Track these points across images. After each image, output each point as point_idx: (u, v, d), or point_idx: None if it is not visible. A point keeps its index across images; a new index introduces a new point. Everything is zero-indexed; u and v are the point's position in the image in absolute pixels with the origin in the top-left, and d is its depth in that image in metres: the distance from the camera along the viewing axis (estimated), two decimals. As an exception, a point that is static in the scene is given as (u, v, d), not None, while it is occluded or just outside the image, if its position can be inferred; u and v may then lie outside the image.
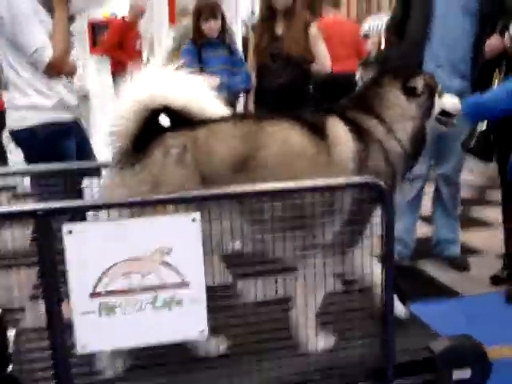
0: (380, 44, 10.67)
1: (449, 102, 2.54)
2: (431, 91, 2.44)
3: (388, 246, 1.99)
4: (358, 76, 7.63)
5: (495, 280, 3.87)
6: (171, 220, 1.81)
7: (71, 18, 3.43)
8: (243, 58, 4.85)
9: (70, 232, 1.72)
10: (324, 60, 4.43)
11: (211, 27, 4.43)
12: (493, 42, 3.62)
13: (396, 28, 4.10)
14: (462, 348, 2.22)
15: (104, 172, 2.38)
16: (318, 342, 2.23)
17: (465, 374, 2.18)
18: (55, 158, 2.86)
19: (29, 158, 3.16)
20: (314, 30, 4.39)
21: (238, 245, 2.96)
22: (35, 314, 2.44)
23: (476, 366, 2.21)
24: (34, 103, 3.10)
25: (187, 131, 2.10)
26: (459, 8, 3.83)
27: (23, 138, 3.15)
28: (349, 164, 2.17)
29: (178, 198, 1.85)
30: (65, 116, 3.19)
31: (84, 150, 3.32)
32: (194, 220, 1.81)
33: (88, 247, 1.75)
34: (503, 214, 3.92)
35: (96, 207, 1.85)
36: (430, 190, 4.39)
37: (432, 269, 4.17)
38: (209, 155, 2.07)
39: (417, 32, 3.92)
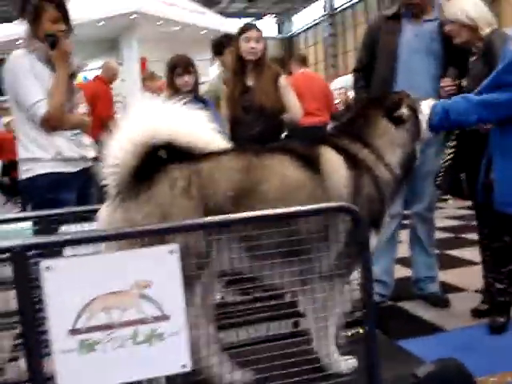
0: (347, 96, 11.02)
1: (427, 106, 2.63)
2: (415, 111, 2.51)
3: (365, 269, 2.00)
4: (329, 128, 7.81)
5: (476, 313, 3.91)
6: (149, 252, 1.81)
7: (72, 75, 3.55)
8: (217, 112, 4.94)
9: (48, 268, 1.71)
10: (295, 109, 4.54)
11: (185, 82, 4.56)
12: (446, 84, 3.79)
13: (363, 72, 4.28)
14: (446, 371, 2.21)
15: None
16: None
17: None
18: (56, 206, 2.93)
19: (32, 207, 3.40)
20: (283, 80, 4.51)
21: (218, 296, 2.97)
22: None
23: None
24: (35, 156, 3.33)
25: (190, 164, 2.11)
26: (423, 52, 4.02)
27: (25, 186, 3.40)
28: (343, 192, 2.21)
29: (157, 229, 1.85)
30: (65, 168, 3.36)
31: (86, 200, 3.45)
32: (171, 252, 1.81)
33: (67, 283, 1.73)
34: (480, 246, 3.98)
35: (73, 242, 1.85)
36: (404, 232, 4.46)
37: (413, 307, 4.20)
38: (212, 188, 2.08)
39: (384, 77, 4.08)
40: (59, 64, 3.34)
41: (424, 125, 2.56)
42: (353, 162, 2.30)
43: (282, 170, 2.19)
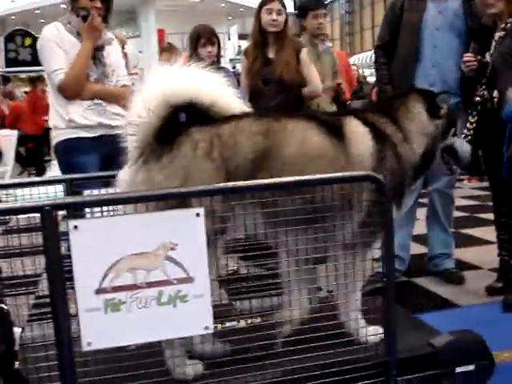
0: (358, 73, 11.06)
1: (460, 141, 2.64)
2: (450, 121, 2.55)
3: (387, 239, 2.02)
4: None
5: (490, 291, 3.92)
6: (175, 215, 1.84)
7: (100, 48, 3.68)
8: (236, 82, 4.94)
9: (76, 227, 1.74)
10: (315, 83, 4.52)
11: (208, 52, 4.55)
12: (467, 59, 3.73)
13: (384, 50, 4.24)
14: (463, 341, 2.24)
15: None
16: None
17: (468, 367, 2.19)
18: (75, 169, 3.28)
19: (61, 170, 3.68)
20: (304, 54, 4.49)
21: (232, 266, 2.99)
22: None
23: (479, 359, 2.22)
24: (55, 124, 3.65)
25: (212, 127, 2.13)
26: (446, 28, 4.00)
27: (54, 153, 3.80)
28: (367, 162, 2.22)
29: (199, 190, 1.87)
30: (79, 134, 3.57)
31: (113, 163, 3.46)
32: (198, 215, 1.83)
33: (93, 243, 1.76)
34: (495, 225, 3.98)
35: (101, 203, 1.87)
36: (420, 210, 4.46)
37: (428, 283, 4.21)
38: (233, 150, 2.10)
39: (407, 54, 4.06)
40: (85, 36, 3.54)
41: (449, 142, 2.58)
42: (379, 135, 2.31)
43: (303, 136, 2.20)
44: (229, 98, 2.20)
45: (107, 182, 2.52)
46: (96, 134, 3.61)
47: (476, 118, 3.68)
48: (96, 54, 3.63)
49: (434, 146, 2.47)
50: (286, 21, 4.43)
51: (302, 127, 2.24)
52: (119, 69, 3.82)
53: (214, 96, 2.15)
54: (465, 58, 3.75)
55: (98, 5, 3.59)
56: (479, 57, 3.71)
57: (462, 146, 2.63)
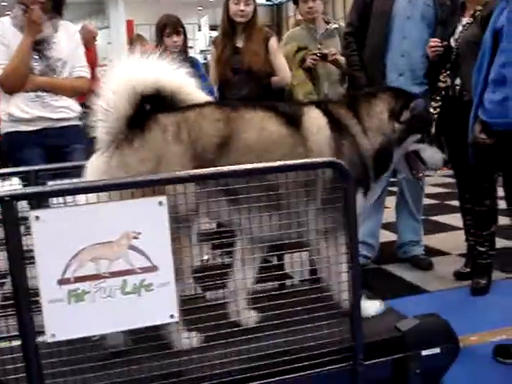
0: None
1: (430, 150, 2.57)
2: (414, 125, 2.49)
3: (351, 225, 2.03)
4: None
5: (458, 275, 3.98)
6: (138, 204, 1.82)
7: (42, 42, 3.65)
8: (205, 72, 4.92)
9: (38, 218, 1.72)
10: (283, 72, 4.52)
11: (174, 42, 4.53)
12: (434, 44, 3.79)
13: (354, 36, 4.23)
14: (429, 325, 2.27)
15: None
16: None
17: (434, 350, 2.22)
18: (18, 163, 3.29)
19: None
20: (273, 43, 4.48)
21: (206, 256, 2.98)
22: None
23: (444, 342, 2.25)
24: (1, 118, 3.70)
25: (177, 113, 2.20)
26: (417, 18, 4.01)
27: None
28: (324, 150, 2.26)
29: (146, 180, 1.86)
30: (19, 128, 3.61)
31: (62, 155, 3.62)
32: (160, 203, 1.82)
33: (55, 233, 1.74)
34: (461, 211, 4.04)
35: (63, 192, 1.85)
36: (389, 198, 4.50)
37: (397, 270, 4.27)
38: (199, 134, 2.16)
39: (377, 43, 4.08)
40: (25, 31, 3.54)
41: (409, 147, 2.53)
42: (337, 125, 2.35)
43: (261, 123, 2.26)
44: (191, 88, 2.27)
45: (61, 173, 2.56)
46: (36, 128, 3.62)
47: (439, 103, 3.74)
48: (40, 48, 3.62)
49: (388, 146, 2.45)
50: (255, 10, 4.42)
51: (261, 115, 2.29)
52: (74, 60, 3.78)
53: (179, 84, 2.23)
54: (431, 43, 3.80)
55: None
56: (445, 42, 3.77)
57: (432, 156, 2.58)
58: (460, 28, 3.76)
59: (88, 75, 3.87)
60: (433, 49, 3.80)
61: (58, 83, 3.68)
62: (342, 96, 2.68)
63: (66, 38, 3.74)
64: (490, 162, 3.36)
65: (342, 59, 4.44)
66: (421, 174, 2.72)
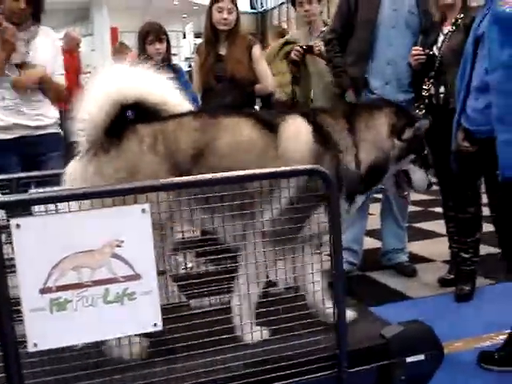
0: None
1: (419, 173, 2.52)
2: (412, 146, 2.44)
3: (335, 233, 2.03)
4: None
5: (442, 282, 3.99)
6: (121, 211, 1.81)
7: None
8: (189, 80, 4.92)
9: (18, 226, 1.70)
10: (266, 80, 4.53)
11: (157, 49, 4.52)
12: (416, 52, 3.81)
13: (338, 41, 4.23)
14: (413, 332, 2.27)
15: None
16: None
17: (418, 357, 2.22)
18: None
19: None
20: (256, 50, 4.49)
21: (190, 264, 2.97)
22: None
23: (428, 348, 2.25)
24: None
25: (156, 123, 2.21)
26: (403, 25, 4.04)
27: None
28: (300, 159, 2.19)
29: (129, 188, 1.85)
30: None
31: (38, 163, 3.61)
32: (143, 211, 1.81)
33: (37, 241, 1.72)
34: (445, 218, 4.06)
35: (45, 200, 1.83)
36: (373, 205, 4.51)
37: (381, 276, 4.29)
38: (175, 145, 2.17)
39: (361, 50, 4.10)
40: None
41: (404, 166, 2.49)
42: (322, 137, 2.29)
43: (235, 130, 2.26)
44: (174, 98, 2.29)
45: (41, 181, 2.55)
46: (12, 136, 3.61)
47: (423, 111, 3.75)
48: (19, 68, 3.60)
49: (383, 161, 2.39)
50: (238, 18, 4.42)
51: (236, 121, 2.30)
52: (53, 67, 3.78)
53: (160, 95, 2.24)
54: (413, 52, 3.81)
55: (22, 6, 3.52)
56: (427, 50, 3.78)
57: (419, 178, 2.53)
58: (442, 37, 3.78)
59: (64, 84, 3.87)
60: (415, 57, 3.81)
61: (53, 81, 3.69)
62: (343, 104, 2.63)
63: (45, 44, 3.72)
64: (473, 170, 3.38)
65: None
66: (406, 193, 2.67)
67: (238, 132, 2.25)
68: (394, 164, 2.43)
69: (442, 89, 3.74)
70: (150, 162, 2.13)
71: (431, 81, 3.77)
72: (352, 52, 4.15)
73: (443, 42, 3.75)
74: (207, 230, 2.33)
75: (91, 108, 2.14)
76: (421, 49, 3.81)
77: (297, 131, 2.27)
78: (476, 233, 3.78)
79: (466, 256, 3.79)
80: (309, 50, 4.61)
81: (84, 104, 2.15)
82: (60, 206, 1.91)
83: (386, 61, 4.06)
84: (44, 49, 3.71)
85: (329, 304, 2.25)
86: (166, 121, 2.23)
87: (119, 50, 8.41)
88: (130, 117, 2.26)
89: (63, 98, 3.85)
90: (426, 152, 2.53)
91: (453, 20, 3.74)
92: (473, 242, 3.78)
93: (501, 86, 2.47)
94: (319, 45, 4.48)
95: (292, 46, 4.72)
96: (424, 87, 3.79)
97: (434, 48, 3.80)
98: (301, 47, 4.68)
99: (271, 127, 2.27)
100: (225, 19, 4.32)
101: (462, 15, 3.71)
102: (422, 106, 3.79)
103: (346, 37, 4.17)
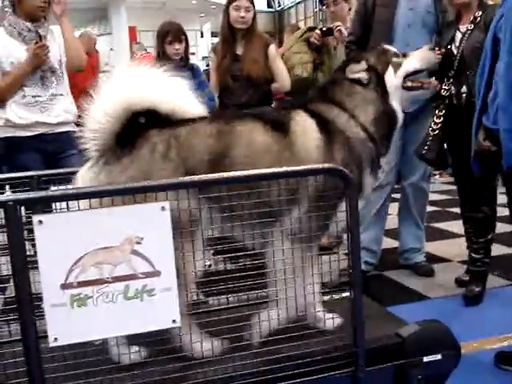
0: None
1: (413, 60, 2.57)
2: (379, 70, 2.46)
3: (353, 232, 2.03)
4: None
5: (460, 283, 3.97)
6: (141, 209, 1.83)
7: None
8: (206, 79, 4.94)
9: (41, 222, 1.73)
10: (283, 79, 4.55)
11: (176, 50, 4.54)
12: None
13: (356, 45, 4.24)
14: (430, 331, 2.27)
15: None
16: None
17: (435, 357, 2.22)
18: (15, 169, 3.40)
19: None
20: (272, 49, 4.52)
21: (208, 262, 2.99)
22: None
23: (445, 348, 2.25)
24: None
25: (169, 129, 2.15)
26: (418, 25, 4.02)
27: None
28: (314, 155, 2.21)
29: (148, 186, 1.87)
30: (15, 133, 3.64)
31: (57, 161, 3.68)
32: (163, 208, 1.83)
33: (59, 237, 1.74)
34: (462, 218, 4.03)
35: (67, 197, 1.85)
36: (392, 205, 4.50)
37: (398, 276, 4.27)
38: (189, 152, 2.12)
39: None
40: (28, 59, 3.60)
41: (394, 80, 2.48)
42: (325, 125, 2.30)
43: (249, 136, 2.22)
44: (188, 103, 2.22)
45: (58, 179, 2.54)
46: (34, 133, 3.66)
47: (443, 112, 3.70)
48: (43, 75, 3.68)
49: (384, 107, 2.41)
50: (254, 17, 4.44)
51: (249, 128, 2.25)
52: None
53: (172, 102, 2.18)
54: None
55: (43, 3, 3.65)
56: (443, 49, 3.72)
57: (420, 61, 2.59)
58: (459, 35, 3.73)
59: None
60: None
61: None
62: (314, 91, 2.63)
63: (53, 44, 3.79)
64: (494, 170, 3.35)
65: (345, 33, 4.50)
66: (427, 81, 2.67)
67: (252, 139, 2.21)
68: (389, 97, 2.44)
69: (464, 88, 3.67)
70: (164, 169, 2.08)
71: (451, 80, 3.72)
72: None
73: (462, 40, 3.70)
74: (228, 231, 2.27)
75: (101, 117, 2.09)
76: (436, 48, 3.66)
77: (305, 127, 2.27)
78: (488, 234, 3.75)
79: (477, 257, 3.77)
80: (328, 32, 4.62)
81: (93, 112, 2.10)
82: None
83: None
84: (55, 48, 3.78)
85: (319, 308, 2.27)
86: (178, 127, 2.17)
87: (137, 49, 8.46)
88: (142, 122, 2.19)
89: (82, 62, 3.92)
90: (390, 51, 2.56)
91: (471, 18, 3.69)
92: (484, 243, 3.75)
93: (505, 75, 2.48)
94: (339, 26, 4.48)
95: (312, 32, 4.76)
96: (444, 87, 3.73)
97: (452, 47, 3.75)
98: (320, 30, 4.69)
99: (281, 128, 2.26)
100: (242, 17, 4.34)
101: (480, 13, 3.66)
102: (441, 107, 3.73)
103: (364, 39, 4.15)
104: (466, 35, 3.69)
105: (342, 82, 2.45)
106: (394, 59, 2.52)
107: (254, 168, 2.04)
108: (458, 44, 3.73)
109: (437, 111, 3.73)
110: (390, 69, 2.49)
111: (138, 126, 2.16)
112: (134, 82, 2.15)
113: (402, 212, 4.44)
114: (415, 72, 2.58)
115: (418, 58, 2.61)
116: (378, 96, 2.42)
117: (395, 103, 2.46)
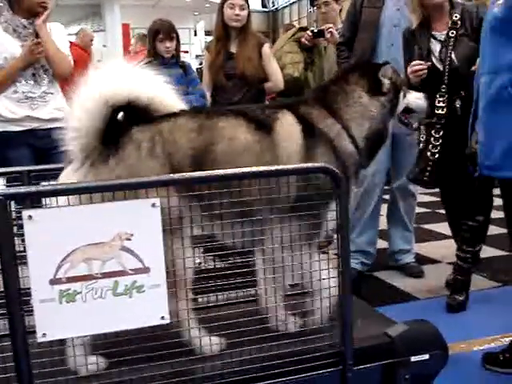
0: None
1: (413, 98, 2.55)
2: (396, 89, 2.44)
3: (343, 232, 2.04)
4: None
5: (449, 285, 3.96)
6: (131, 205, 1.83)
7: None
8: (198, 77, 4.94)
9: (30, 217, 1.72)
10: (276, 78, 4.56)
11: (166, 47, 4.53)
12: (418, 68, 3.51)
13: (346, 46, 4.27)
14: (419, 331, 2.28)
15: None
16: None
17: (423, 356, 2.23)
18: (6, 164, 3.28)
19: None
20: (266, 49, 4.52)
21: (198, 260, 2.98)
22: None
23: (433, 348, 2.26)
24: None
25: (152, 125, 2.13)
26: (406, 24, 3.93)
27: None
28: (294, 158, 2.18)
29: (136, 183, 1.87)
30: (5, 128, 3.62)
31: (48, 157, 3.56)
32: (153, 205, 1.83)
33: (48, 233, 1.74)
34: (453, 229, 4.03)
35: (57, 193, 1.85)
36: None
37: (388, 277, 4.30)
38: (174, 147, 2.10)
39: (364, 51, 4.08)
40: (22, 56, 3.58)
41: (401, 104, 2.47)
42: (311, 130, 2.25)
43: (231, 132, 2.19)
44: (166, 96, 2.20)
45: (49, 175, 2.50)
46: (25, 128, 3.65)
47: (441, 133, 3.51)
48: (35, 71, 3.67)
49: (381, 126, 2.37)
50: (249, 16, 4.45)
51: (231, 124, 2.22)
52: None
53: (151, 94, 2.14)
54: (415, 67, 3.52)
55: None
56: (429, 63, 3.54)
57: (417, 103, 2.54)
58: (437, 45, 3.54)
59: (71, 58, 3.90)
60: (419, 72, 3.51)
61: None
62: (313, 91, 2.59)
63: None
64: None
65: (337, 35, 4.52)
66: (415, 124, 2.64)
67: (233, 136, 2.18)
68: (391, 116, 2.43)
69: (458, 102, 3.49)
70: (151, 167, 2.05)
71: (446, 97, 3.50)
72: (355, 53, 4.14)
73: (444, 51, 3.50)
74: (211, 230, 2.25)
75: (81, 114, 2.05)
76: (422, 62, 3.53)
77: (289, 131, 2.23)
78: (478, 244, 3.68)
79: (465, 266, 3.67)
80: (319, 34, 4.63)
81: (74, 110, 2.07)
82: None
83: (387, 60, 3.99)
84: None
85: (282, 311, 2.25)
86: (161, 122, 2.14)
87: (138, 41, 8.40)
88: (121, 119, 2.16)
89: (67, 71, 3.84)
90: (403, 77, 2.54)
91: (446, 21, 3.51)
92: (474, 253, 3.68)
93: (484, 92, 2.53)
94: (330, 28, 4.49)
95: (303, 33, 4.77)
96: (437, 105, 3.49)
97: (433, 59, 3.56)
98: (311, 31, 4.71)
99: (265, 127, 2.22)
100: (237, 15, 4.35)
101: (457, 15, 3.48)
102: (437, 127, 3.51)
103: (353, 41, 4.17)
104: (450, 44, 3.48)
105: (346, 89, 2.38)
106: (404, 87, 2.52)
107: (234, 166, 2.01)
108: (439, 55, 3.54)
109: (433, 132, 3.52)
110: (401, 93, 2.48)
111: (119, 124, 2.13)
112: (110, 76, 2.12)
113: (390, 214, 4.45)
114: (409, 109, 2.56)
115: (420, 98, 2.59)
116: (381, 113, 2.38)
117: (389, 127, 2.45)
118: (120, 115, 2.14)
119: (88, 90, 2.07)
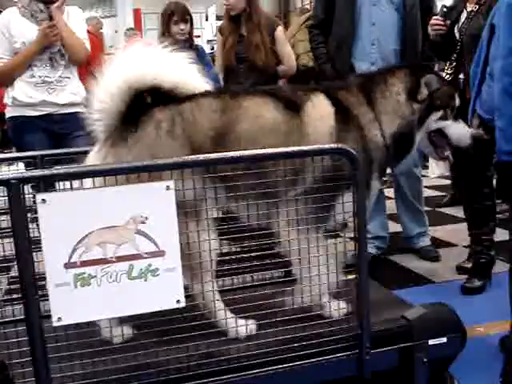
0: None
1: (455, 128, 2.44)
2: (432, 103, 2.36)
3: (359, 214, 2.01)
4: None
5: (460, 270, 3.91)
6: (145, 188, 1.81)
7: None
8: (211, 60, 4.91)
9: (44, 201, 1.71)
10: (289, 61, 4.51)
11: (181, 30, 4.50)
12: (435, 22, 3.57)
13: (320, 28, 4.10)
14: (436, 314, 2.25)
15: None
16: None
17: (441, 340, 2.21)
18: (23, 148, 3.47)
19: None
20: (279, 32, 4.47)
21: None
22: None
23: (451, 331, 2.23)
24: (5, 102, 3.79)
25: (173, 105, 2.13)
26: (383, 3, 3.87)
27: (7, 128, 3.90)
28: (323, 140, 2.15)
29: (153, 165, 1.84)
30: (22, 113, 3.67)
31: (64, 142, 3.68)
32: (168, 188, 1.81)
33: (62, 216, 1.73)
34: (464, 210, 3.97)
35: (70, 176, 1.83)
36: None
37: (404, 260, 4.26)
38: (194, 128, 2.10)
39: (344, 32, 3.93)
40: (37, 38, 3.59)
41: (432, 123, 2.40)
42: (344, 115, 2.25)
43: (257, 112, 2.18)
44: (192, 79, 2.20)
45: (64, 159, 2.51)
46: (41, 113, 3.68)
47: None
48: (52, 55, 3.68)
49: (408, 129, 2.33)
50: (250, 2, 4.35)
51: (257, 103, 2.21)
52: None
53: (176, 78, 2.15)
54: (433, 21, 3.59)
55: None
56: (448, 21, 3.57)
57: (458, 132, 2.44)
58: (464, 15, 3.58)
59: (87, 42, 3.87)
60: (435, 27, 3.57)
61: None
62: (355, 77, 2.53)
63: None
64: (487, 158, 3.28)
65: None
66: (447, 153, 2.53)
67: (259, 115, 2.17)
68: (419, 128, 2.36)
69: (461, 75, 3.55)
70: (169, 146, 2.05)
71: (454, 65, 3.57)
72: (335, 36, 3.98)
73: (464, 23, 3.55)
74: (232, 210, 2.26)
75: (105, 96, 2.07)
76: (441, 19, 3.56)
77: (321, 112, 2.22)
78: (489, 222, 3.62)
79: (478, 248, 3.64)
80: None
81: (97, 93, 2.09)
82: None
83: (369, 41, 3.88)
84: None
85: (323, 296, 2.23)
86: (183, 102, 2.14)
87: (128, 34, 8.44)
88: (148, 101, 2.18)
89: (82, 55, 3.82)
90: (456, 103, 2.43)
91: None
92: (486, 233, 3.62)
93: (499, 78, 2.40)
94: None
95: None
96: (446, 71, 3.59)
97: (455, 28, 3.60)
98: None
99: (294, 107, 2.21)
100: (226, 4, 4.31)
101: None
102: None
103: (327, 23, 4.00)
104: (469, 19, 3.54)
105: (388, 82, 2.36)
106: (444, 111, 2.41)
107: (257, 147, 2.01)
108: (460, 26, 3.59)
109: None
110: (439, 113, 2.39)
111: (143, 106, 2.13)
112: (134, 59, 2.13)
113: (399, 201, 4.33)
114: (444, 135, 2.46)
115: (463, 131, 2.48)
116: (411, 117, 2.34)
117: (417, 138, 2.39)
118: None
119: (113, 74, 2.09)
